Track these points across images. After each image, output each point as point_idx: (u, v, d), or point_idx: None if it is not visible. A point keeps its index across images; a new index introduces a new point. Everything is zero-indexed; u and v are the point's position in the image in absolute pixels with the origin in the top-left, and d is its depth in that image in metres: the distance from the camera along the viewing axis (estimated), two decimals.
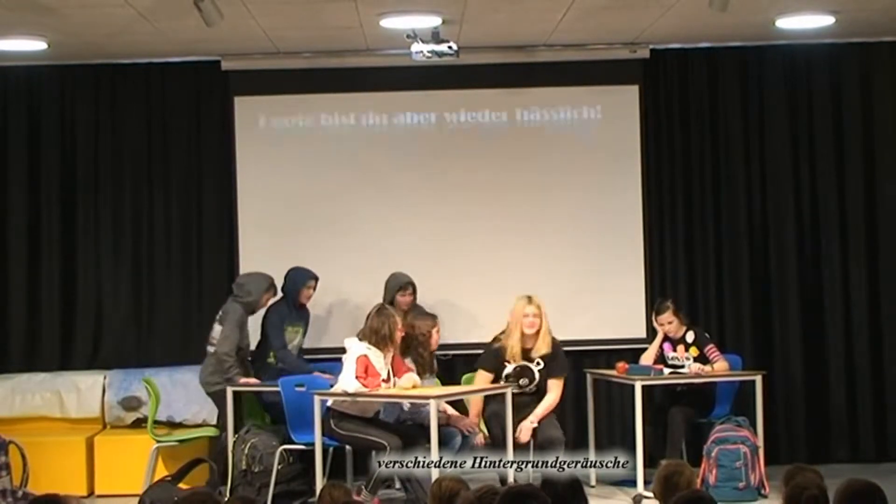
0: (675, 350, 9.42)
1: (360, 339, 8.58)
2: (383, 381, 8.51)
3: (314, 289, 9.50)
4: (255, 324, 9.53)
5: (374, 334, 8.50)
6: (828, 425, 10.26)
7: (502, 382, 8.81)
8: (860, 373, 10.29)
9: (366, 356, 8.48)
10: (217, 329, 9.32)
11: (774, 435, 9.84)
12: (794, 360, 10.27)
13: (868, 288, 10.32)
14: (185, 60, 10.20)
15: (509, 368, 8.85)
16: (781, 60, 10.31)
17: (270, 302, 9.45)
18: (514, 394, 8.69)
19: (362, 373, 8.39)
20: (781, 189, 10.33)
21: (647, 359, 9.44)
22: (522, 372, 8.86)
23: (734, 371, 9.46)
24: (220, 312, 9.35)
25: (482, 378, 8.94)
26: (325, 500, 5.84)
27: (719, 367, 9.24)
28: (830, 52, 10.30)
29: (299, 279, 9.47)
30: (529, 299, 8.86)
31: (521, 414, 8.74)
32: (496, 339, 8.96)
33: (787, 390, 10.24)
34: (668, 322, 9.39)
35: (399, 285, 9.56)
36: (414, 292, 9.59)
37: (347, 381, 8.40)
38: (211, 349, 9.33)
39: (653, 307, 9.73)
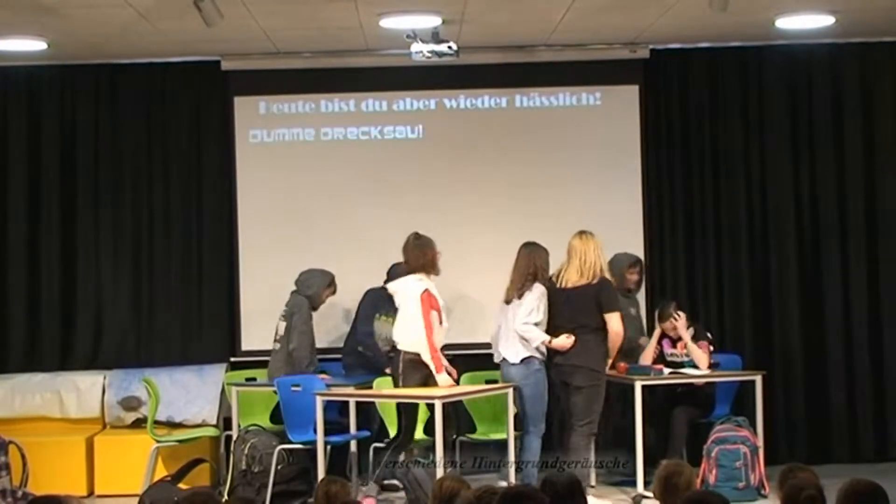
0: (674, 347, 9.42)
1: (407, 273, 8.81)
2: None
3: None
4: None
5: (422, 258, 8.82)
6: (827, 425, 10.25)
7: None
8: (860, 373, 10.28)
9: (428, 291, 8.71)
10: (282, 326, 9.37)
11: (774, 435, 9.82)
12: (794, 361, 10.25)
13: (868, 287, 10.31)
14: (185, 60, 10.21)
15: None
16: (781, 60, 10.30)
17: (330, 299, 9.52)
18: None
19: (428, 315, 8.64)
20: (781, 189, 10.33)
21: (646, 358, 9.44)
22: None
23: (734, 371, 9.45)
24: (286, 308, 9.40)
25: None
26: (323, 496, 5.85)
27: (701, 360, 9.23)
28: (830, 52, 10.30)
29: (402, 270, 9.37)
30: None
31: None
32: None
33: (786, 390, 10.23)
34: (672, 329, 9.40)
35: (629, 263, 9.67)
36: (642, 270, 9.72)
37: (427, 336, 8.63)
38: (277, 346, 9.38)
39: (653, 308, 9.73)
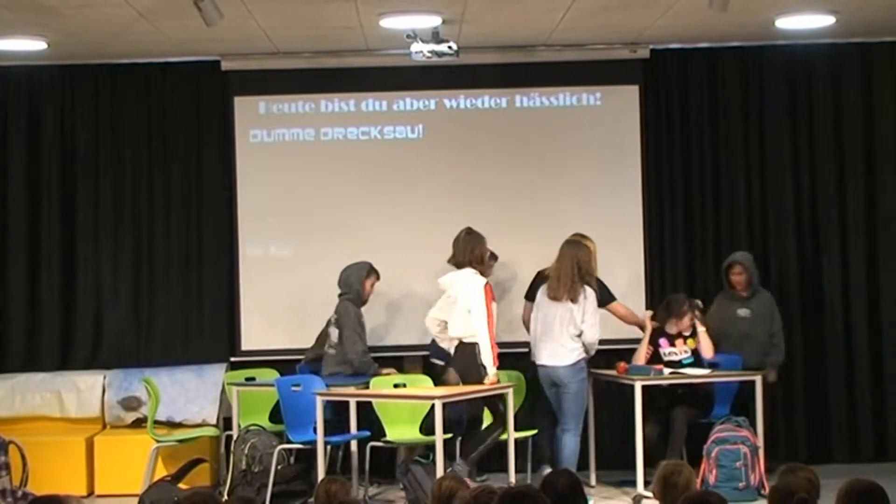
0: (673, 345, 9.40)
1: (460, 266, 8.87)
2: None
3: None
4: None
5: (469, 253, 8.90)
6: (828, 425, 10.24)
7: None
8: (859, 373, 10.27)
9: (489, 284, 8.88)
10: (334, 332, 9.34)
11: (775, 435, 9.72)
12: (795, 360, 10.20)
13: (868, 288, 10.30)
14: (185, 60, 10.19)
15: None
16: (781, 60, 10.29)
17: (374, 286, 9.46)
18: None
19: (490, 307, 8.79)
20: (781, 189, 10.32)
21: (639, 358, 9.43)
22: None
23: (734, 371, 9.42)
24: (335, 315, 9.37)
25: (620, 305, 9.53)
26: (323, 495, 5.87)
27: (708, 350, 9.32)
28: (830, 52, 10.29)
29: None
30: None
31: None
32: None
33: (787, 390, 10.20)
34: (685, 327, 9.40)
35: (726, 265, 9.73)
36: (744, 269, 9.68)
37: (490, 328, 8.75)
38: (332, 351, 9.36)
39: (656, 305, 9.73)
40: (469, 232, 9.02)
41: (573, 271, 8.96)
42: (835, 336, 10.30)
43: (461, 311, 8.83)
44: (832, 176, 10.32)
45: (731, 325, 9.63)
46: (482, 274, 8.94)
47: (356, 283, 9.35)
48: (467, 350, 8.82)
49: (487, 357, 8.73)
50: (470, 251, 8.92)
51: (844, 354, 10.29)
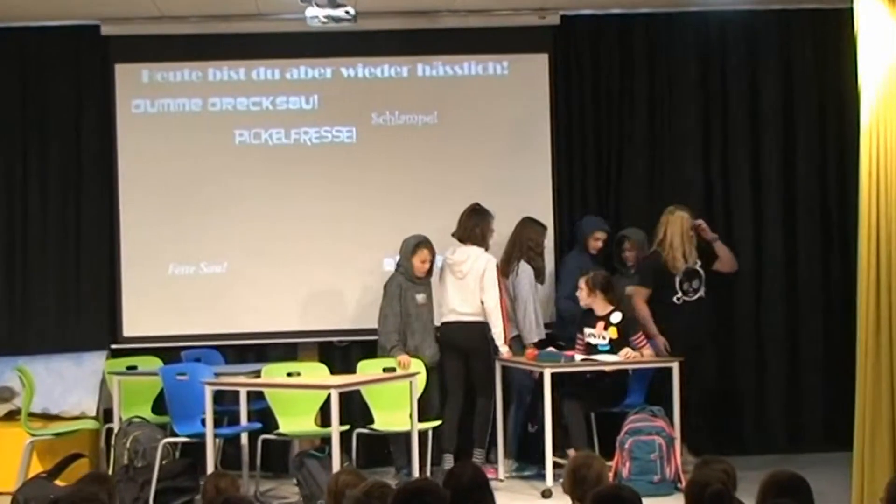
0: (593, 327, 9.08)
1: (463, 242, 9.18)
2: None
3: (601, 241, 9.69)
4: None
5: (472, 230, 9.21)
6: (740, 415, 10.09)
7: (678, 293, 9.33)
8: (772, 361, 10.12)
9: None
10: None
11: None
12: (707, 348, 9.82)
13: (784, 266, 10.15)
14: (63, 25, 9.93)
15: (681, 275, 9.33)
16: (695, 27, 10.22)
17: (427, 262, 9.25)
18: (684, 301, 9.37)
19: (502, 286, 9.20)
20: (693, 159, 10.20)
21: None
22: (693, 275, 9.37)
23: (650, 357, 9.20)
24: None
25: (642, 294, 9.40)
26: (211, 491, 5.93)
27: (647, 354, 9.02)
28: (747, 20, 10.18)
29: (588, 227, 9.66)
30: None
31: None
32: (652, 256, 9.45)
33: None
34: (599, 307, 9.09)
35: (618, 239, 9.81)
36: (634, 246, 9.66)
37: (503, 307, 9.11)
38: None
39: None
40: (474, 209, 9.26)
41: (512, 248, 9.40)
42: (746, 318, 10.17)
43: (473, 289, 9.10)
44: (746, 146, 10.22)
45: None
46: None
47: (403, 258, 9.30)
48: (476, 329, 9.10)
49: (500, 336, 9.02)
50: (472, 228, 9.21)
51: (756, 341, 10.16)
